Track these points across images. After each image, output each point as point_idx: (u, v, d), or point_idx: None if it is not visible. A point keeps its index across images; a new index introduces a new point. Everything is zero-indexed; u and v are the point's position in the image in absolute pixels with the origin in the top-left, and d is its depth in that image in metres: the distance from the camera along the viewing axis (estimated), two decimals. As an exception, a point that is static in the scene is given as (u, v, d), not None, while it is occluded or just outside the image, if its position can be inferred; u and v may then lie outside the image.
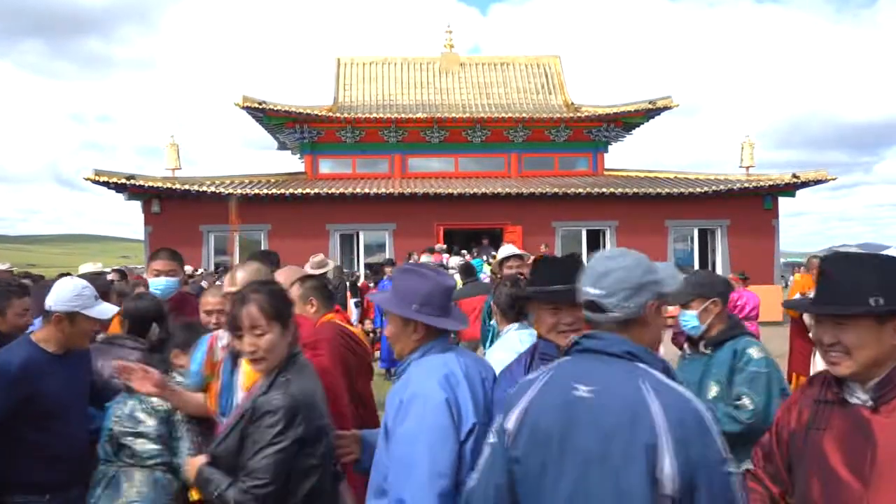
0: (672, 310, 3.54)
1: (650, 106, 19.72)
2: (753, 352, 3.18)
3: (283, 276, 3.37)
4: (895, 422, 1.78)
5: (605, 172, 20.51)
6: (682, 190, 18.39)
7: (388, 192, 17.84)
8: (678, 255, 19.20)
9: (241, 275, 2.75)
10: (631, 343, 1.70)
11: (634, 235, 17.92)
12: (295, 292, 3.32)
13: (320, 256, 7.87)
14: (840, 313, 1.82)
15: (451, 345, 2.26)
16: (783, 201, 19.35)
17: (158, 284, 3.96)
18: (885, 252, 2.67)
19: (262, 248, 16.92)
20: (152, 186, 17.40)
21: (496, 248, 14.85)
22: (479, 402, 2.12)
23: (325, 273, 7.48)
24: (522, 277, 3.90)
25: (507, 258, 5.19)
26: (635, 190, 18.28)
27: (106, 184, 17.16)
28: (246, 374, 2.54)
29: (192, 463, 2.29)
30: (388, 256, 17.10)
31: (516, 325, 3.33)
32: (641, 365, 1.66)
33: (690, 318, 3.24)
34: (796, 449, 1.95)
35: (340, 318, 3.55)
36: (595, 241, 19.02)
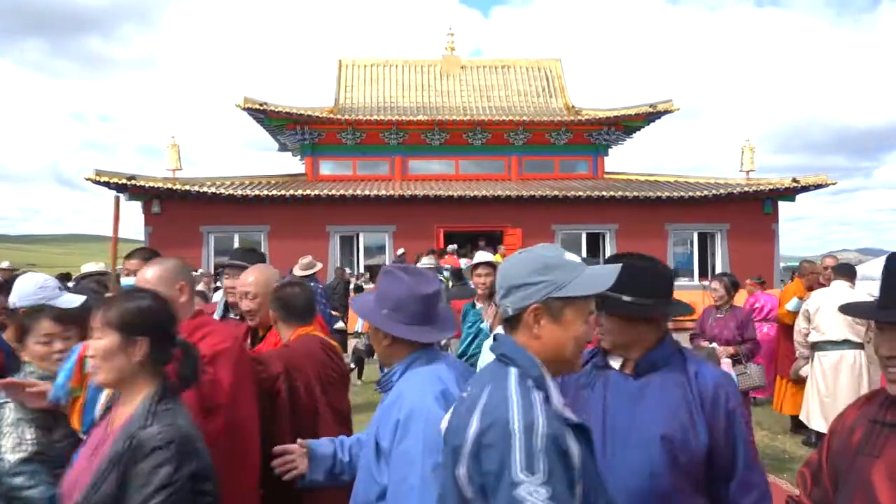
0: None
1: (650, 109, 19.76)
2: None
3: (255, 274, 3.22)
4: None
5: (606, 176, 20.56)
6: (683, 193, 18.42)
7: (388, 194, 17.86)
8: (678, 259, 19.23)
9: (153, 272, 2.44)
10: (512, 345, 1.57)
11: (634, 239, 17.93)
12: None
13: (308, 258, 7.83)
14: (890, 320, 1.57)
15: (439, 354, 2.14)
16: (783, 205, 19.40)
17: (127, 284, 3.92)
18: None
19: (262, 249, 16.92)
20: (153, 187, 17.41)
21: (494, 251, 14.86)
22: None
23: (314, 274, 7.45)
24: None
25: (478, 265, 5.16)
26: (635, 193, 18.30)
27: (107, 184, 17.16)
28: (108, 394, 2.26)
29: None
30: (393, 257, 17.05)
31: None
32: (512, 368, 1.53)
33: None
34: (842, 471, 1.70)
35: (319, 329, 3.30)
36: (595, 245, 19.03)
